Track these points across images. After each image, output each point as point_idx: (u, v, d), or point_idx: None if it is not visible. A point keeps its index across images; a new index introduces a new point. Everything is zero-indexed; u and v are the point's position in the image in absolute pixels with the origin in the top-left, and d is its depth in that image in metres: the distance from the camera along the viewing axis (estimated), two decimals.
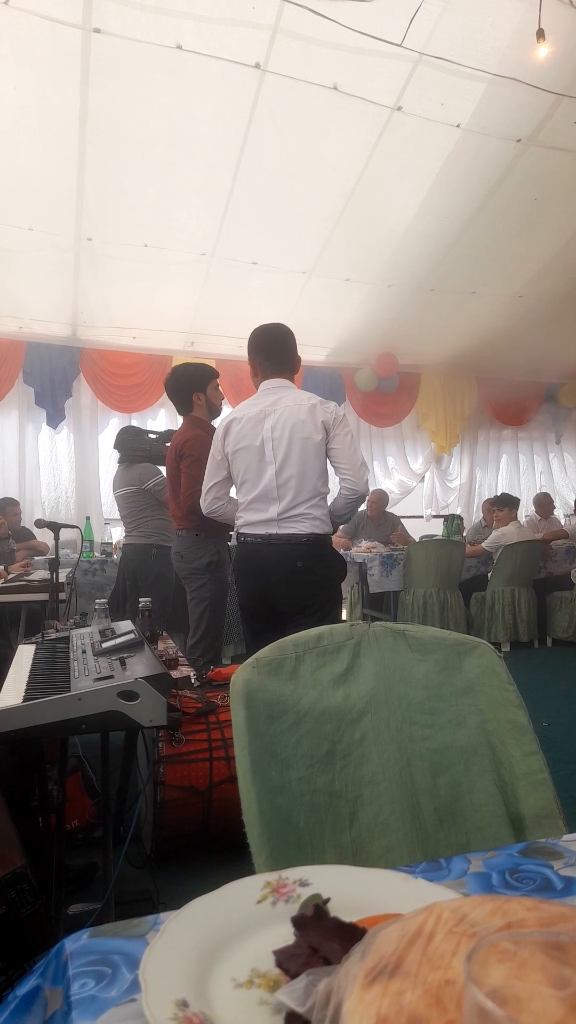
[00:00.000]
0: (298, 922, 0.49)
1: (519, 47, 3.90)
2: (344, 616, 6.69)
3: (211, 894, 0.57)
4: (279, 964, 0.48)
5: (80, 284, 5.56)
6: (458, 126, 4.48)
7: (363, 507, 6.68)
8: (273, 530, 2.50)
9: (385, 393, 7.21)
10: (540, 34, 3.70)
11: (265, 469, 2.51)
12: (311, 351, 6.08)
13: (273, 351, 2.62)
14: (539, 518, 7.16)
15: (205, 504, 2.72)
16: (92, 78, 3.99)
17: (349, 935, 0.47)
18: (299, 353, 2.72)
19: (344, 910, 0.52)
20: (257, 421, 2.54)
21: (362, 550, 5.86)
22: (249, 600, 2.66)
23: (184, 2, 3.66)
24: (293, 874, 0.59)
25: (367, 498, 6.61)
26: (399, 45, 3.87)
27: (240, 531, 2.63)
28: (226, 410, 3.40)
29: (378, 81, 4.19)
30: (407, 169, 4.81)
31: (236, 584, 2.73)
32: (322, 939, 0.47)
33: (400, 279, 5.83)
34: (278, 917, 0.54)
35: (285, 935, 0.51)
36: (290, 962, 0.47)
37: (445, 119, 4.43)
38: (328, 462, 2.57)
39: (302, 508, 2.48)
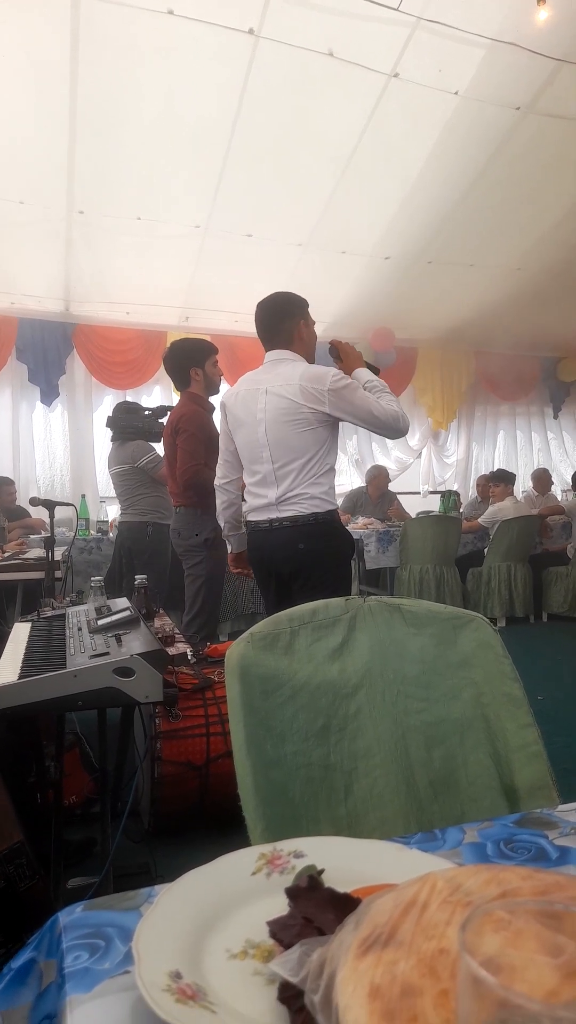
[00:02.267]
0: (292, 893, 0.49)
1: (519, 11, 3.82)
2: None
3: (205, 866, 0.56)
4: (273, 935, 0.48)
5: (72, 258, 5.48)
6: (456, 93, 4.39)
7: (364, 485, 6.68)
8: (274, 514, 2.44)
9: (382, 368, 7.16)
10: None
11: (261, 452, 2.44)
12: None
13: (263, 323, 2.52)
14: (536, 494, 7.16)
15: (216, 481, 2.68)
16: (82, 45, 3.89)
17: (343, 905, 0.46)
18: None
19: (338, 881, 0.52)
20: (251, 399, 2.46)
21: (358, 526, 5.86)
22: (264, 585, 2.62)
23: None
24: (287, 846, 0.59)
25: (369, 477, 6.61)
26: (396, 9, 3.78)
27: (247, 518, 2.56)
28: (224, 387, 3.37)
29: (375, 47, 4.09)
30: (404, 138, 4.73)
31: (253, 572, 2.67)
32: (316, 909, 0.46)
33: (397, 251, 5.76)
34: (272, 888, 0.54)
35: (279, 906, 0.50)
36: (284, 932, 0.47)
37: (443, 86, 4.34)
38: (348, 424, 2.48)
39: (300, 489, 2.40)
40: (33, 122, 4.32)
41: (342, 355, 2.55)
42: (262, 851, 0.58)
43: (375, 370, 2.64)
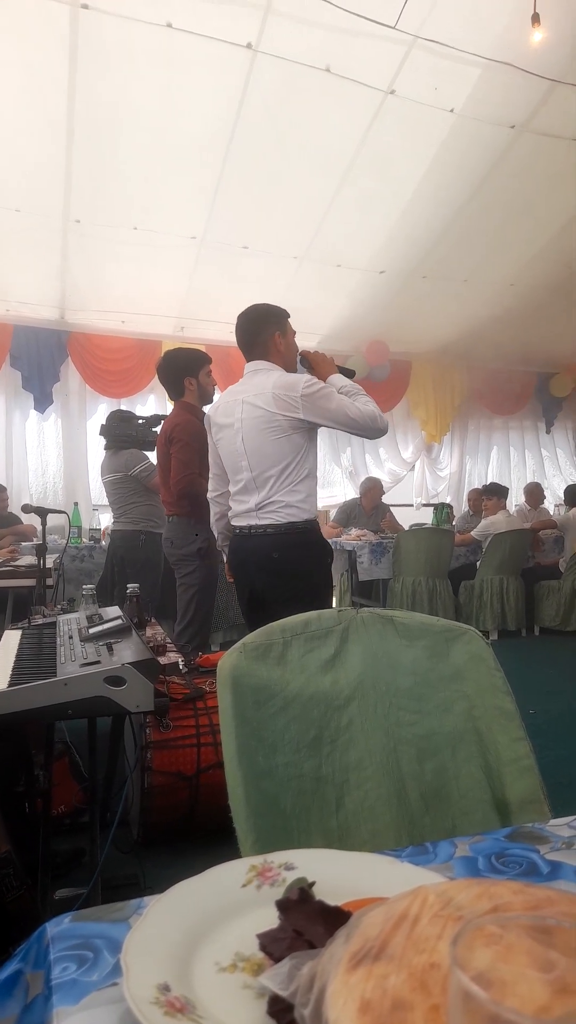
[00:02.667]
0: (282, 905, 0.48)
1: (514, 32, 3.86)
2: (334, 604, 6.72)
3: (195, 878, 0.56)
4: (263, 948, 0.47)
5: (68, 267, 5.49)
6: (452, 111, 4.44)
7: (358, 497, 6.69)
8: (253, 521, 2.47)
9: (376, 381, 7.19)
10: (535, 19, 3.67)
11: (240, 461, 2.48)
12: (302, 338, 5.99)
13: (242, 335, 2.56)
14: (529, 507, 7.18)
15: (208, 493, 2.72)
16: (80, 56, 3.92)
17: (334, 919, 0.46)
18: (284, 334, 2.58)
19: (329, 894, 0.51)
20: (230, 410, 2.51)
21: (352, 538, 5.86)
22: (240, 591, 2.65)
23: None
24: (278, 858, 0.59)
25: (364, 489, 6.62)
26: (393, 27, 3.83)
27: (232, 523, 2.60)
28: (218, 396, 3.38)
29: (371, 64, 4.14)
30: (400, 154, 4.78)
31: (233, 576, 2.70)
32: (307, 922, 0.46)
33: (392, 266, 5.80)
34: (263, 901, 0.54)
35: (270, 919, 0.50)
36: (274, 946, 0.46)
37: (439, 104, 4.39)
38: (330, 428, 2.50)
39: (277, 496, 2.42)
40: (31, 131, 4.34)
41: (313, 364, 2.59)
42: (252, 863, 0.58)
43: (350, 374, 2.69)
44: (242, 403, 2.46)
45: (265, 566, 2.46)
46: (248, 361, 2.55)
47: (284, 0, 3.70)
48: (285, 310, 2.58)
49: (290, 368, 2.55)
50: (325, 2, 3.64)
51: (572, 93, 4.30)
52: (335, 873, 0.56)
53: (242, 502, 2.50)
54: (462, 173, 4.92)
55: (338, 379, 2.53)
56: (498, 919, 0.38)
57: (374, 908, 0.43)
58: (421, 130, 4.58)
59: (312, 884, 0.51)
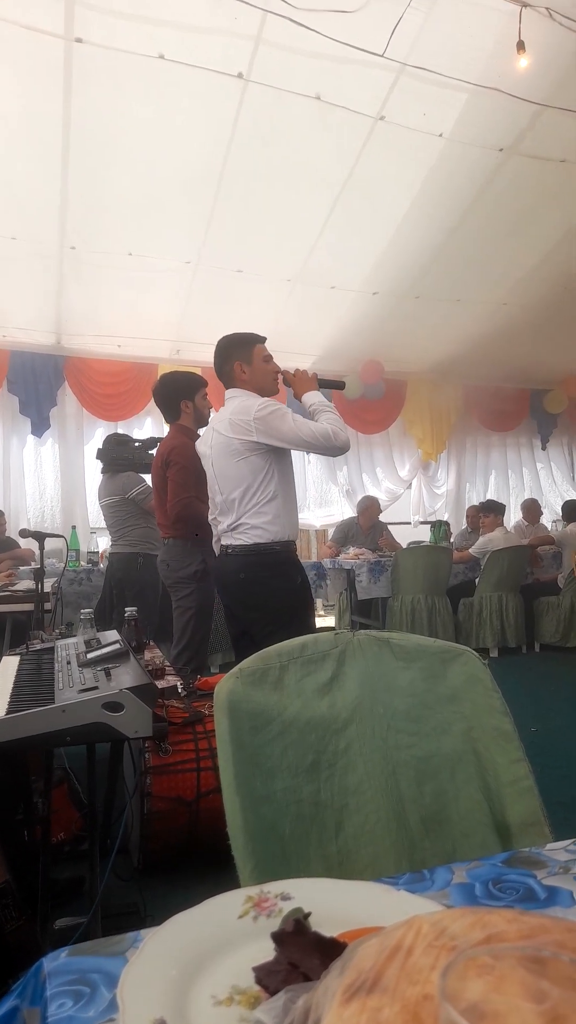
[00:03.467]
0: (278, 937, 0.48)
1: (500, 58, 3.94)
2: (332, 623, 6.71)
3: (192, 909, 0.56)
4: (259, 981, 0.47)
5: (64, 292, 5.54)
6: (441, 135, 4.52)
7: (355, 516, 6.70)
8: (229, 541, 2.58)
9: (371, 400, 7.23)
10: (520, 46, 3.75)
11: (214, 484, 2.62)
12: (297, 358, 6.07)
13: (214, 367, 2.70)
14: (526, 523, 7.19)
15: (209, 516, 2.82)
16: (75, 87, 3.99)
17: (329, 950, 0.46)
18: (280, 361, 2.70)
19: (326, 923, 0.51)
20: (206, 438, 2.67)
21: (350, 557, 5.86)
22: (225, 611, 2.77)
23: (166, 12, 3.67)
24: (275, 888, 0.59)
25: (361, 508, 6.63)
26: (381, 55, 3.90)
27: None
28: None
29: (361, 91, 4.21)
30: (391, 178, 4.84)
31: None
32: (302, 954, 0.46)
33: (385, 287, 5.86)
34: (259, 932, 0.54)
35: (266, 950, 0.50)
36: (269, 978, 0.46)
37: (428, 128, 4.46)
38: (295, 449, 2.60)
39: (244, 519, 2.53)
40: (26, 161, 4.41)
41: (291, 383, 2.68)
42: (249, 893, 0.58)
43: (338, 385, 2.81)
44: (212, 431, 2.63)
45: (234, 585, 2.58)
46: (225, 389, 2.69)
47: (274, 31, 3.77)
48: (255, 336, 2.67)
49: (265, 391, 2.64)
50: (314, 32, 3.71)
51: (558, 116, 4.37)
52: (331, 902, 0.56)
53: (220, 523, 2.63)
54: (452, 196, 4.98)
55: (312, 396, 2.63)
56: (491, 950, 0.38)
57: (369, 939, 0.43)
58: (411, 154, 4.65)
59: (308, 915, 0.51)
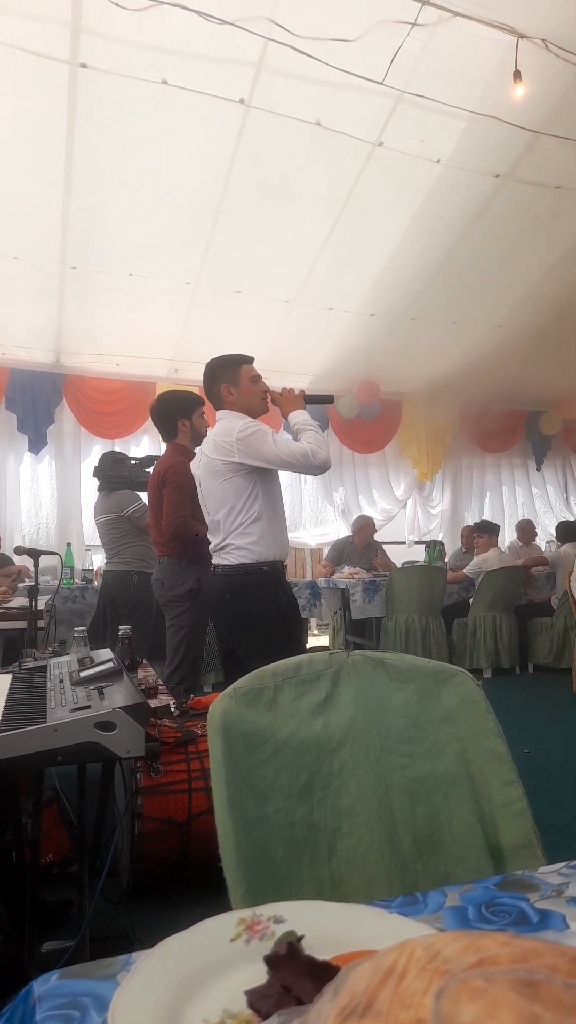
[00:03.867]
0: (271, 961, 0.48)
1: (497, 86, 4.02)
2: (326, 642, 6.69)
3: (183, 932, 0.56)
4: (251, 1004, 0.47)
5: (64, 311, 5.58)
6: (438, 161, 4.59)
7: (350, 535, 6.71)
8: (217, 561, 2.62)
9: (367, 420, 7.27)
10: (517, 75, 3.82)
11: (203, 506, 2.66)
12: (294, 378, 6.12)
13: (203, 390, 2.75)
14: (521, 544, 7.21)
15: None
16: (79, 110, 4.05)
17: (322, 973, 0.46)
18: (278, 381, 2.76)
19: (319, 947, 0.51)
20: (196, 461, 2.73)
21: (344, 576, 5.86)
22: (215, 628, 2.84)
23: (170, 39, 3.74)
24: (268, 911, 0.58)
25: (356, 527, 6.64)
26: (380, 83, 3.97)
27: None
28: None
29: (360, 117, 4.29)
30: (389, 202, 4.91)
31: None
32: (295, 978, 0.46)
33: (382, 308, 5.92)
34: (252, 955, 0.53)
35: (259, 974, 0.50)
36: (262, 1002, 0.46)
37: (426, 154, 4.54)
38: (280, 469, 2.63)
39: (229, 539, 2.55)
40: (29, 182, 4.46)
41: (278, 403, 2.71)
42: (241, 916, 0.58)
43: (326, 399, 2.87)
44: (200, 452, 2.67)
45: (219, 605, 2.61)
46: (215, 411, 2.73)
47: (276, 58, 3.84)
48: (243, 357, 2.70)
49: (254, 411, 2.67)
50: (315, 59, 3.78)
51: (554, 144, 4.45)
52: (324, 926, 0.56)
53: (211, 543, 2.67)
54: (449, 220, 5.05)
55: (296, 415, 2.65)
56: (484, 973, 0.38)
57: (361, 962, 0.43)
58: (408, 180, 4.72)
59: (301, 938, 0.51)
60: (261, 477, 2.55)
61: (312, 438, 2.56)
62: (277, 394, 2.72)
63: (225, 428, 2.56)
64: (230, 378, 2.66)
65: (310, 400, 2.73)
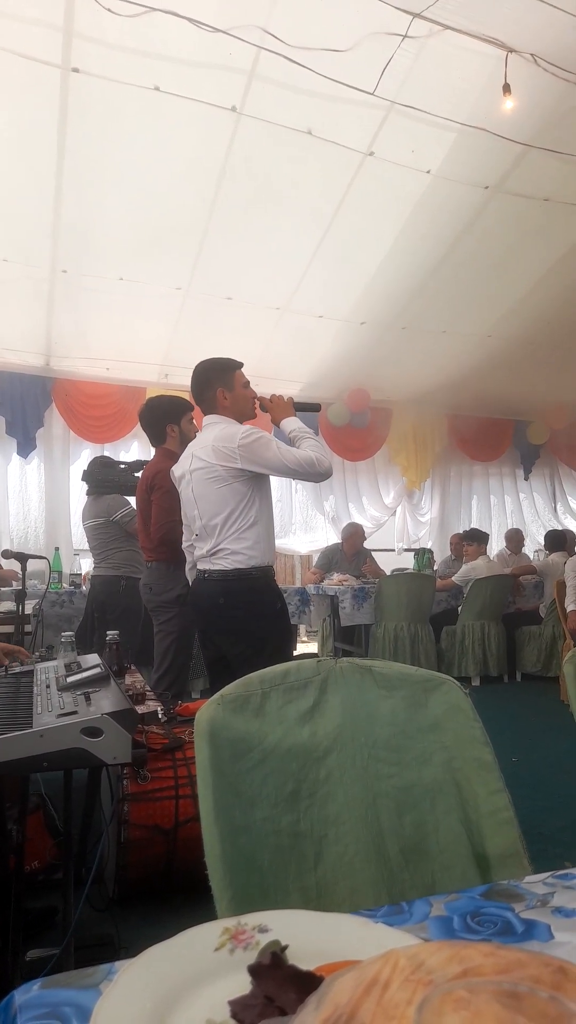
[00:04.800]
0: (254, 971, 0.48)
1: (487, 99, 4.06)
2: (315, 649, 6.68)
3: (167, 941, 0.55)
4: (234, 1015, 0.47)
5: (54, 315, 5.57)
6: (428, 172, 4.62)
7: (340, 542, 6.72)
8: (207, 566, 2.57)
9: (357, 428, 7.30)
10: (506, 88, 3.86)
11: (193, 509, 2.60)
12: (284, 385, 6.14)
13: (192, 393, 2.70)
14: (509, 552, 7.24)
15: (182, 543, 2.80)
16: (70, 115, 4.05)
17: (306, 984, 0.46)
18: (268, 388, 2.73)
19: (303, 956, 0.51)
20: (184, 463, 2.66)
21: (334, 583, 5.86)
22: (199, 635, 2.76)
23: (163, 45, 3.75)
24: (252, 920, 0.58)
25: (346, 534, 6.64)
26: (372, 93, 4.00)
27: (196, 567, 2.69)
28: None
29: (351, 127, 4.31)
30: (379, 212, 4.94)
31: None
32: (278, 988, 0.46)
33: (372, 317, 5.94)
34: (236, 965, 0.53)
35: (243, 984, 0.49)
36: (245, 1012, 0.46)
37: (416, 165, 4.57)
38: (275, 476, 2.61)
39: (225, 544, 2.52)
40: (20, 184, 4.45)
41: (269, 409, 2.69)
42: (226, 925, 0.57)
43: (314, 407, 2.80)
44: (192, 456, 2.61)
45: (212, 610, 2.56)
46: (204, 415, 2.68)
47: (268, 66, 3.86)
48: (234, 362, 2.68)
49: (244, 417, 2.66)
50: (307, 69, 3.80)
51: (542, 156, 4.49)
52: (309, 935, 0.56)
53: (200, 548, 2.61)
54: (438, 230, 5.09)
55: (290, 423, 2.64)
56: (467, 984, 0.38)
57: (345, 973, 0.43)
58: (399, 190, 4.75)
59: (285, 948, 0.51)
60: (258, 483, 2.54)
61: (314, 446, 2.56)
62: (267, 400, 2.70)
63: (225, 434, 2.51)
64: (225, 382, 2.63)
65: (298, 408, 2.71)
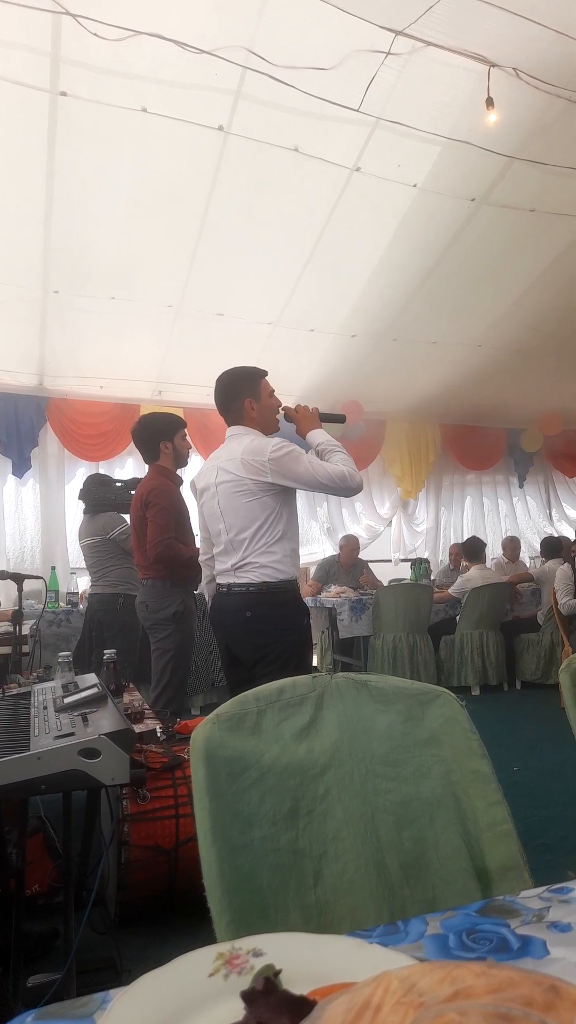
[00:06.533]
0: (247, 996, 0.48)
1: (471, 113, 4.11)
2: (314, 662, 6.67)
3: (161, 968, 0.55)
4: None
5: (47, 335, 5.59)
6: (415, 186, 4.67)
7: (336, 554, 6.72)
8: (232, 580, 2.51)
9: (351, 440, 7.31)
10: (489, 102, 3.91)
11: (219, 523, 2.52)
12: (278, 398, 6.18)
13: (217, 402, 2.62)
14: (507, 560, 7.25)
15: (200, 557, 2.75)
16: (59, 138, 4.08)
17: (299, 1008, 0.46)
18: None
19: (297, 980, 0.51)
20: (209, 474, 2.57)
21: (331, 595, 5.86)
22: (221, 651, 2.67)
23: (149, 67, 3.79)
24: (247, 944, 0.58)
25: (342, 545, 6.65)
26: (357, 110, 4.05)
27: (217, 581, 2.62)
28: (194, 459, 3.43)
29: (337, 143, 4.36)
30: (367, 226, 4.99)
31: (214, 632, 2.71)
32: (271, 1014, 0.46)
33: (363, 330, 5.98)
34: (229, 990, 0.53)
35: (236, 1010, 0.49)
36: None
37: (402, 179, 4.62)
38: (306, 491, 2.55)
39: (252, 557, 2.46)
40: (10, 206, 4.48)
41: (294, 420, 2.63)
42: (220, 950, 0.57)
43: (338, 419, 2.74)
44: (217, 468, 2.53)
45: (239, 624, 2.48)
46: (228, 425, 2.61)
47: (253, 86, 3.91)
48: (259, 371, 2.61)
49: (269, 428, 2.60)
50: (292, 88, 3.85)
51: (527, 168, 4.55)
52: (303, 958, 0.56)
53: (223, 562, 2.55)
54: (426, 243, 5.14)
55: (317, 435, 2.57)
56: (459, 1007, 0.38)
57: (338, 997, 0.43)
58: (386, 204, 4.79)
59: (279, 972, 0.50)
60: (286, 496, 2.49)
61: (344, 459, 2.49)
62: (292, 411, 2.63)
63: (254, 447, 2.44)
64: (252, 392, 2.55)
65: (323, 419, 2.64)
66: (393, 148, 4.38)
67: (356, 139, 4.34)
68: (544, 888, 0.71)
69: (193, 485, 2.69)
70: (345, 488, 2.47)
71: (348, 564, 6.53)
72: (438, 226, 5.01)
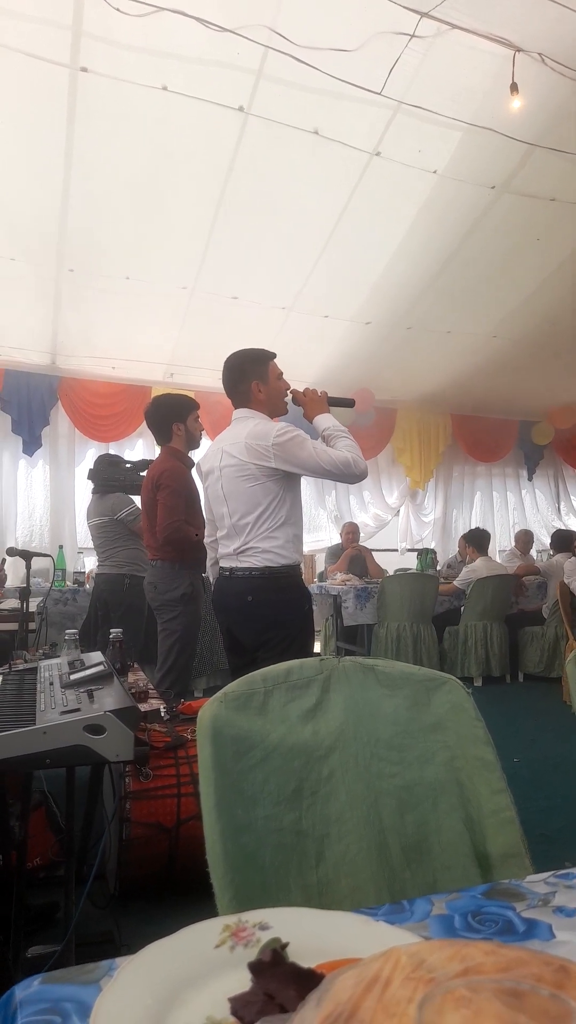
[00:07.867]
0: (255, 968, 0.48)
1: (494, 99, 4.05)
2: (318, 649, 6.68)
3: (168, 938, 0.55)
4: (234, 1012, 0.47)
5: (61, 314, 5.58)
6: (435, 172, 4.62)
7: (340, 541, 6.72)
8: (234, 564, 2.50)
9: (361, 428, 7.29)
10: (514, 87, 3.85)
11: (222, 507, 2.51)
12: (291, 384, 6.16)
13: (225, 384, 2.59)
14: (518, 553, 7.24)
15: (205, 539, 2.74)
16: (78, 114, 4.05)
17: (306, 981, 0.46)
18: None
19: (304, 954, 0.51)
20: (215, 457, 2.56)
21: (337, 583, 5.86)
22: (223, 634, 2.67)
23: (171, 45, 3.75)
24: (253, 917, 0.58)
25: (344, 531, 6.65)
26: (379, 93, 3.99)
27: (219, 564, 2.62)
28: (205, 442, 3.42)
29: (358, 127, 4.31)
30: (385, 212, 4.94)
31: (216, 615, 2.72)
32: (279, 985, 0.46)
33: (378, 317, 5.94)
34: (236, 962, 0.53)
35: (243, 981, 0.49)
36: (245, 1010, 0.46)
37: (422, 165, 4.56)
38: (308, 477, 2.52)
39: (255, 542, 2.45)
40: (27, 183, 4.46)
41: (302, 404, 2.61)
42: (227, 923, 0.57)
43: (347, 403, 2.71)
44: (221, 452, 2.52)
45: (240, 608, 2.49)
46: (235, 408, 2.59)
47: (275, 66, 3.86)
48: (267, 353, 2.59)
49: (277, 411, 2.58)
50: (314, 69, 3.80)
51: (549, 156, 4.48)
52: (310, 933, 0.56)
53: (226, 545, 2.54)
54: (444, 230, 5.08)
55: (324, 420, 2.55)
56: (468, 982, 0.38)
57: (346, 970, 0.43)
58: (405, 190, 4.74)
59: (286, 945, 0.51)
60: (289, 482, 2.47)
61: (350, 446, 2.48)
62: (300, 394, 2.60)
63: (259, 431, 2.43)
64: (260, 374, 2.52)
65: (332, 403, 2.61)
66: (414, 133, 4.33)
67: (377, 123, 4.29)
68: (550, 873, 0.71)
69: (199, 467, 2.69)
70: (349, 475, 2.46)
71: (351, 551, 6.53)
72: (457, 213, 4.95)
